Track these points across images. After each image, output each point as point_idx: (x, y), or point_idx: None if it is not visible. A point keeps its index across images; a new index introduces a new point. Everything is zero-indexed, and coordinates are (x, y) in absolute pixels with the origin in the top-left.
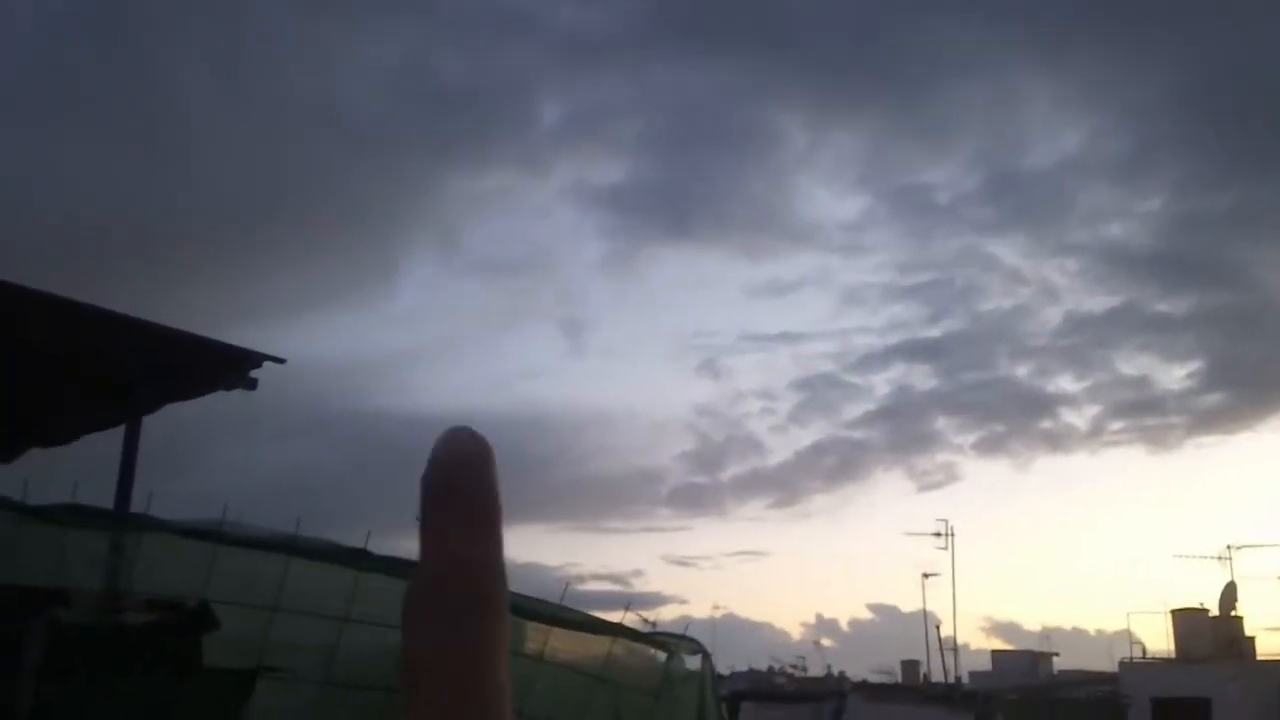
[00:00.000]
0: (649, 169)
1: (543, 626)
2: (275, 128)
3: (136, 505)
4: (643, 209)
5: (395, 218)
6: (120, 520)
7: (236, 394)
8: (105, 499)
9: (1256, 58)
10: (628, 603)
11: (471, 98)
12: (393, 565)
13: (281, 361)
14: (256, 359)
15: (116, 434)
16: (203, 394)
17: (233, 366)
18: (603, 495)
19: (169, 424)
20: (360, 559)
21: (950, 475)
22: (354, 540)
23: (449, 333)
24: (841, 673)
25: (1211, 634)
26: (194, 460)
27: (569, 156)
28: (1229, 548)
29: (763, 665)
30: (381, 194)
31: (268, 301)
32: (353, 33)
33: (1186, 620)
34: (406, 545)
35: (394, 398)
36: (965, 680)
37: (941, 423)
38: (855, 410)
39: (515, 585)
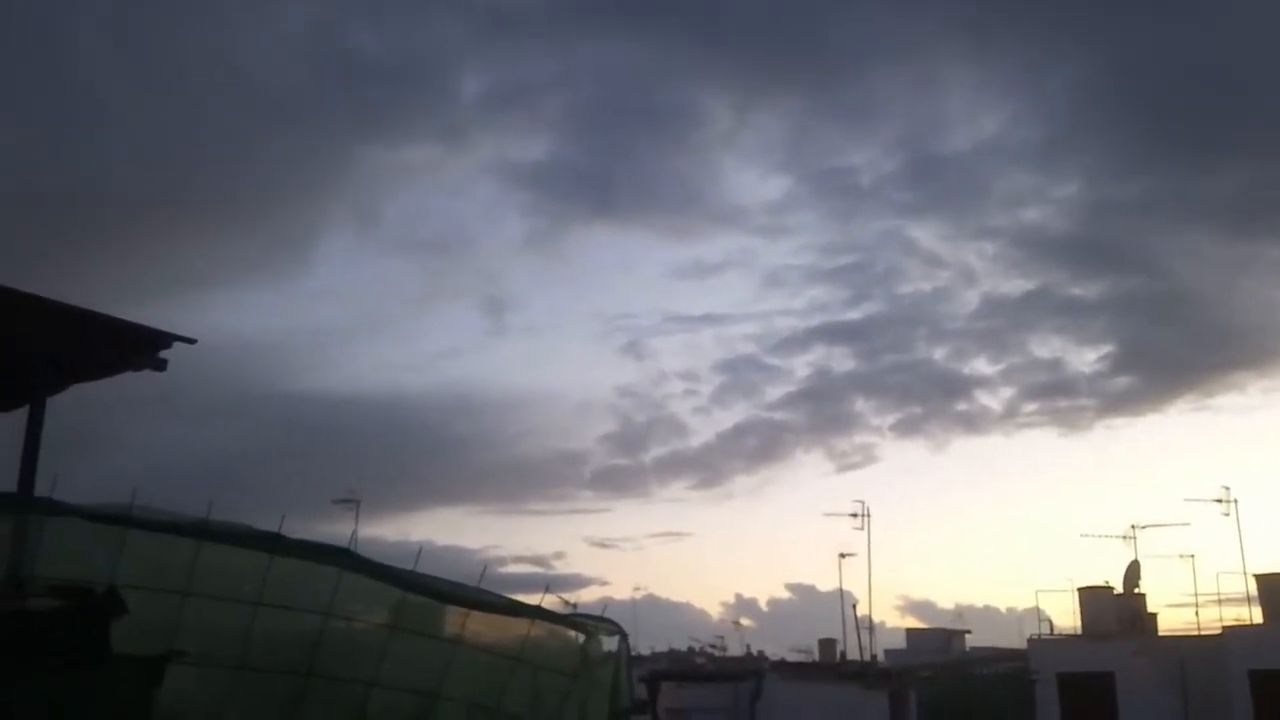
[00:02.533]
0: (572, 146)
1: (458, 610)
2: (186, 98)
3: (41, 489)
4: (566, 187)
5: (312, 191)
6: (23, 504)
7: (146, 374)
8: (7, 483)
9: (1171, 48)
10: (548, 585)
11: (391, 69)
12: (306, 549)
13: (192, 342)
14: (166, 339)
15: (19, 416)
16: (110, 374)
17: (141, 347)
18: (525, 477)
19: (75, 405)
20: (273, 542)
21: (868, 456)
22: (268, 524)
23: (368, 310)
24: (760, 652)
25: (1116, 611)
26: (102, 442)
27: (491, 132)
28: (1133, 527)
29: (682, 645)
30: (297, 166)
31: (179, 277)
32: (268, 1)
33: (1092, 598)
34: (325, 529)
35: (311, 377)
36: (881, 658)
37: (861, 404)
38: (776, 392)
39: (435, 568)
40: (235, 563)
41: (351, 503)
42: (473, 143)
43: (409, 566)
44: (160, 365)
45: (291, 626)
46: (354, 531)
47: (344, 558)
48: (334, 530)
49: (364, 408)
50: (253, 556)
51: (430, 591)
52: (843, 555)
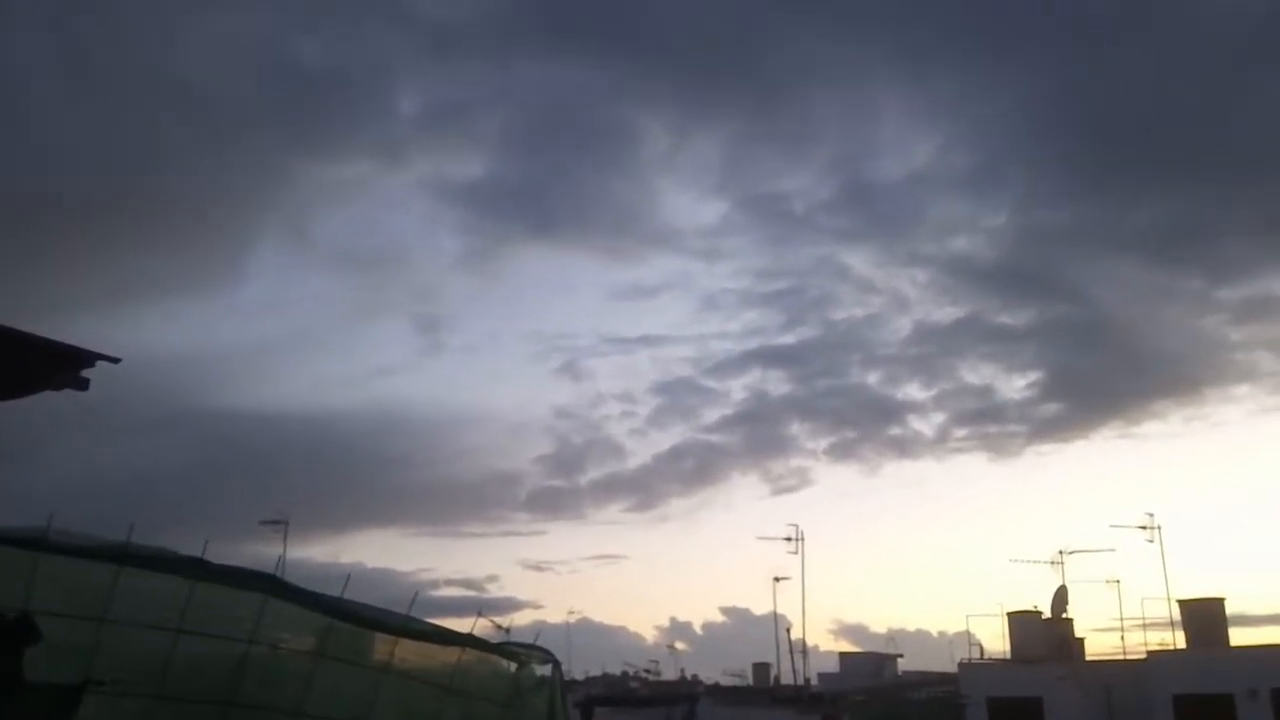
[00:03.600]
0: (510, 165)
1: (387, 637)
2: (120, 106)
3: None
4: (503, 206)
5: (246, 203)
6: None
7: (66, 392)
8: None
9: (1100, 81)
10: (482, 608)
11: (329, 83)
12: (231, 574)
13: (115, 361)
14: (89, 357)
15: None
16: (29, 393)
17: (63, 365)
18: (459, 498)
19: None
20: (197, 568)
21: (803, 479)
22: (192, 547)
23: (300, 327)
24: (694, 676)
25: (1044, 636)
26: (17, 461)
27: (428, 149)
28: (1061, 553)
29: (616, 669)
30: (232, 178)
31: (107, 289)
32: (204, 9)
33: (1021, 622)
34: (253, 551)
35: (241, 394)
36: (814, 682)
37: (796, 428)
38: (713, 414)
39: (366, 591)
40: (156, 587)
41: (280, 524)
42: (409, 159)
43: (338, 590)
44: (82, 384)
45: (214, 653)
46: (281, 555)
47: (269, 584)
48: (262, 551)
49: (295, 425)
50: (174, 581)
51: (357, 619)
52: (777, 579)
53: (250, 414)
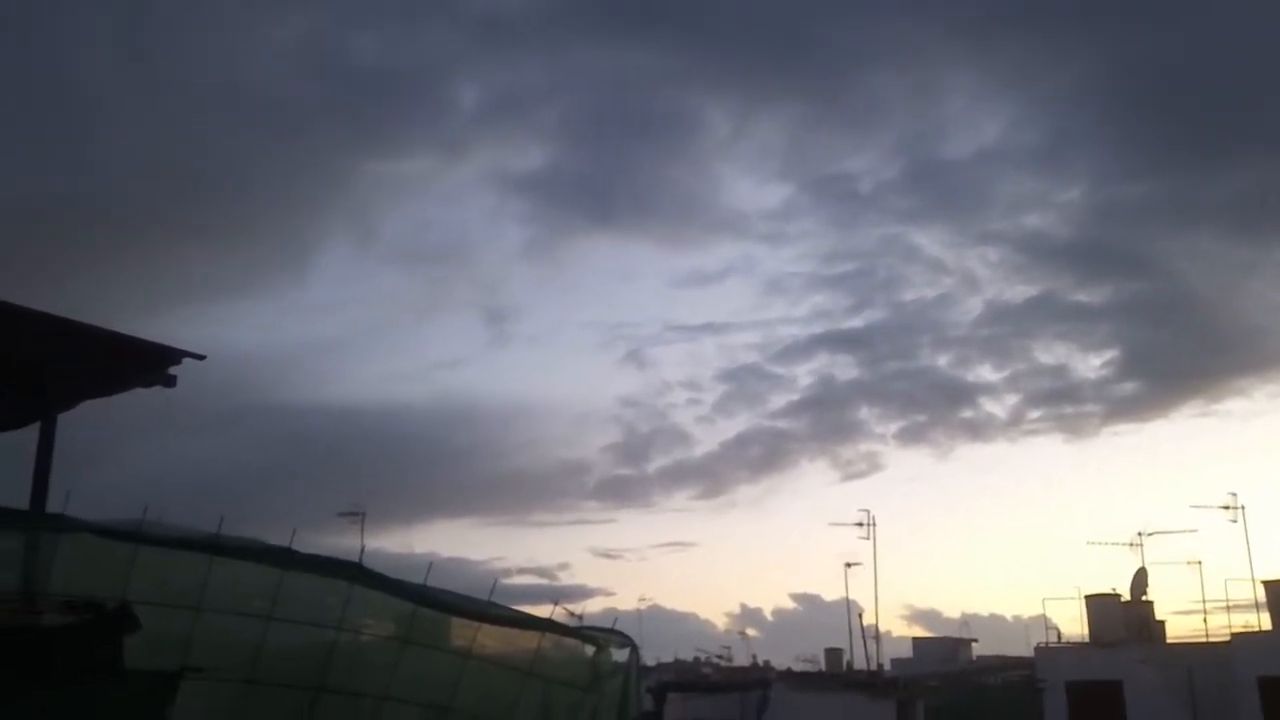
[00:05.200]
0: (570, 155)
1: (467, 623)
2: (186, 110)
3: (53, 505)
4: (564, 196)
5: (309, 204)
6: (36, 520)
7: (154, 389)
8: (20, 499)
9: (1171, 52)
10: (554, 596)
11: (387, 81)
12: (318, 563)
13: (201, 358)
14: (176, 355)
15: (31, 432)
16: (121, 391)
17: (152, 363)
18: (528, 488)
19: (85, 420)
20: (285, 557)
21: (873, 464)
22: (275, 539)
23: (367, 322)
24: (766, 662)
25: (1123, 619)
26: (111, 457)
27: (488, 142)
28: (1140, 534)
29: (688, 656)
30: (295, 178)
31: (179, 290)
32: (260, 12)
33: (1099, 605)
34: (330, 543)
35: (313, 390)
36: (887, 667)
37: (864, 412)
38: (779, 400)
39: (441, 581)
40: (246, 577)
41: (357, 515)
42: (470, 153)
43: (416, 579)
44: (170, 381)
45: (303, 640)
46: (363, 545)
47: (355, 572)
48: (339, 543)
49: (365, 419)
50: (264, 571)
51: (441, 605)
52: (848, 564)
53: (322, 409)
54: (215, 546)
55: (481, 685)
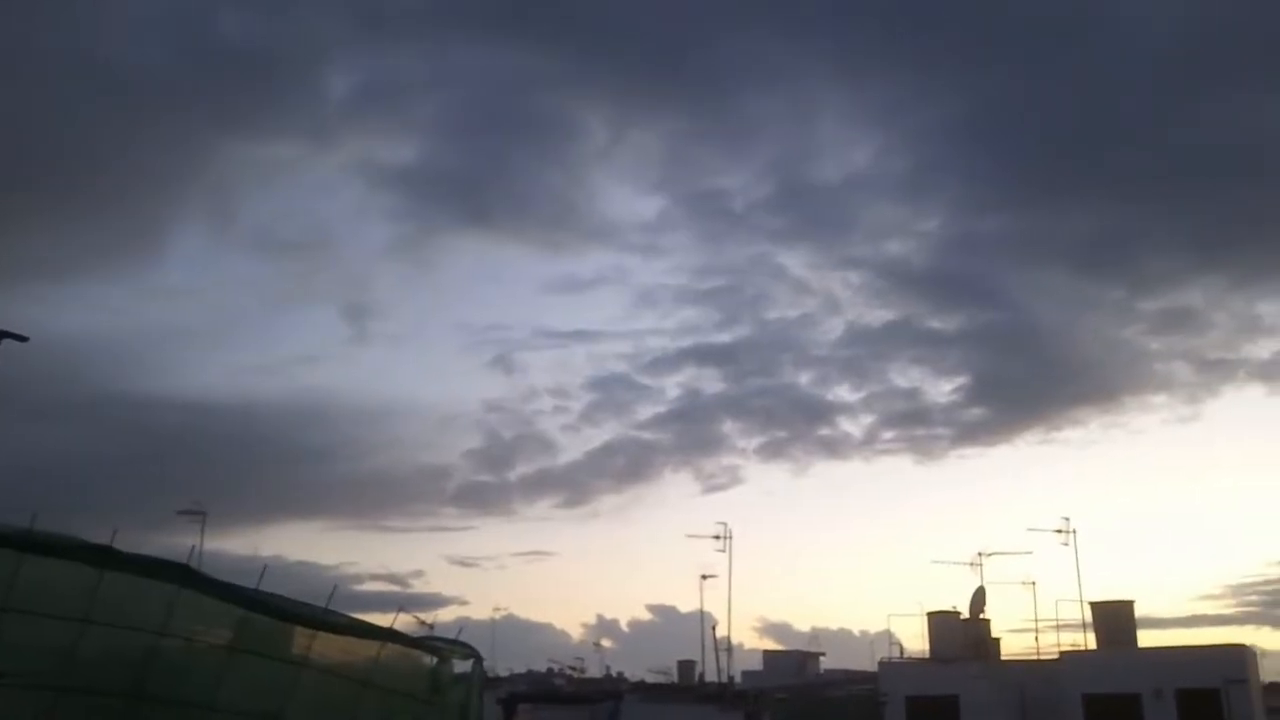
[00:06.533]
0: (444, 152)
1: (304, 630)
2: (37, 80)
3: None
4: (436, 193)
5: (167, 182)
6: None
7: None
8: None
9: (1037, 92)
10: (406, 604)
11: (255, 62)
12: (141, 564)
13: (23, 339)
14: None
15: None
16: None
17: None
18: (385, 492)
19: None
20: (104, 556)
21: (734, 478)
22: (101, 537)
23: (221, 311)
24: (620, 673)
25: (962, 635)
26: None
27: (358, 132)
28: (980, 554)
29: (541, 666)
30: (152, 156)
31: (17, 266)
32: None
33: (940, 622)
34: (165, 541)
35: (158, 380)
36: (738, 679)
37: (728, 426)
38: (647, 412)
39: (285, 586)
40: (62, 576)
41: (197, 514)
42: (339, 142)
43: (254, 584)
44: None
45: (123, 645)
46: (196, 546)
47: (181, 574)
48: (178, 542)
49: (214, 414)
50: (81, 571)
51: (275, 611)
52: (704, 576)
53: (168, 401)
54: (26, 542)
55: (317, 695)
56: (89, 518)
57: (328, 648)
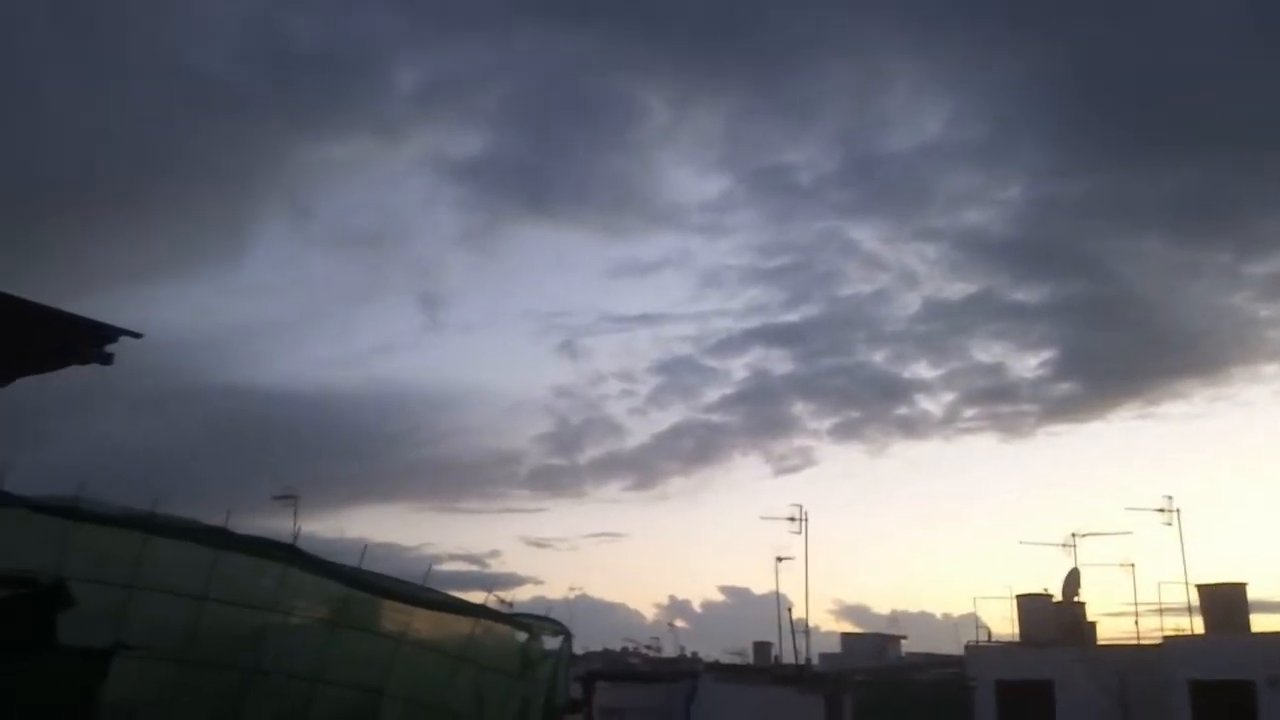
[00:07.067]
0: (508, 141)
1: (401, 607)
2: (120, 86)
3: None
4: (501, 182)
5: (245, 183)
6: None
7: (90, 367)
8: None
9: (1117, 48)
10: (485, 583)
11: (325, 61)
12: (253, 544)
13: (138, 336)
14: (112, 333)
15: None
16: (56, 368)
17: (88, 340)
18: (460, 475)
19: (21, 397)
20: (220, 538)
21: (806, 459)
22: (212, 519)
23: (301, 305)
24: (695, 653)
25: (1055, 619)
26: (47, 434)
27: (426, 126)
28: (1073, 535)
29: (617, 646)
30: (231, 158)
31: (112, 269)
32: None
33: (1031, 605)
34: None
35: (247, 372)
36: (815, 662)
37: (799, 407)
38: (714, 394)
39: (373, 566)
40: (181, 557)
41: (290, 499)
42: (407, 136)
43: (348, 563)
44: (106, 359)
45: (236, 621)
46: (296, 529)
47: (290, 553)
48: (272, 526)
49: (297, 403)
50: (198, 551)
51: (376, 589)
52: (779, 558)
53: (255, 391)
54: (150, 525)
55: (414, 670)
56: (196, 503)
57: (423, 624)
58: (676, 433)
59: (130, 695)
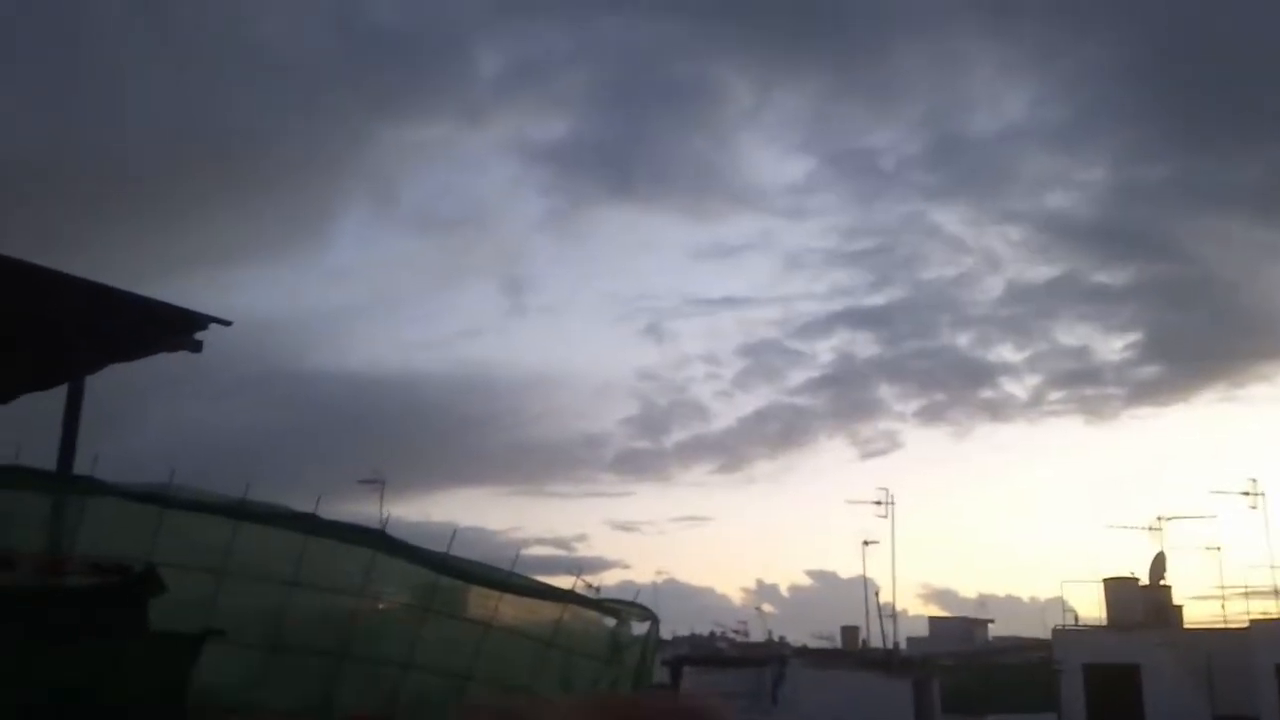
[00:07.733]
0: (591, 125)
1: (488, 592)
2: (205, 72)
3: (80, 467)
4: (584, 166)
5: (329, 168)
6: (64, 482)
7: (179, 353)
8: (48, 461)
9: (1199, 29)
10: (571, 567)
11: (408, 46)
12: (342, 530)
13: (227, 324)
14: (202, 320)
15: (58, 394)
16: (147, 355)
17: (178, 328)
18: (545, 459)
19: (113, 383)
20: (309, 523)
21: (892, 443)
22: (300, 504)
23: (386, 289)
24: (782, 638)
25: (1141, 603)
26: (138, 420)
27: (509, 110)
28: (1160, 519)
29: (704, 630)
30: (315, 143)
31: (199, 254)
32: None
33: (1118, 589)
34: (350, 510)
35: (333, 357)
36: (903, 646)
37: (884, 390)
38: (799, 377)
39: (460, 550)
40: (270, 543)
41: (377, 483)
42: (491, 120)
43: (434, 547)
44: (196, 346)
45: (325, 607)
46: (384, 513)
47: (379, 539)
48: (359, 510)
49: (384, 387)
50: (288, 537)
51: (464, 574)
52: (866, 542)
53: (341, 375)
54: (240, 511)
55: (502, 655)
56: (283, 488)
57: (510, 609)
58: (762, 416)
59: (220, 681)
